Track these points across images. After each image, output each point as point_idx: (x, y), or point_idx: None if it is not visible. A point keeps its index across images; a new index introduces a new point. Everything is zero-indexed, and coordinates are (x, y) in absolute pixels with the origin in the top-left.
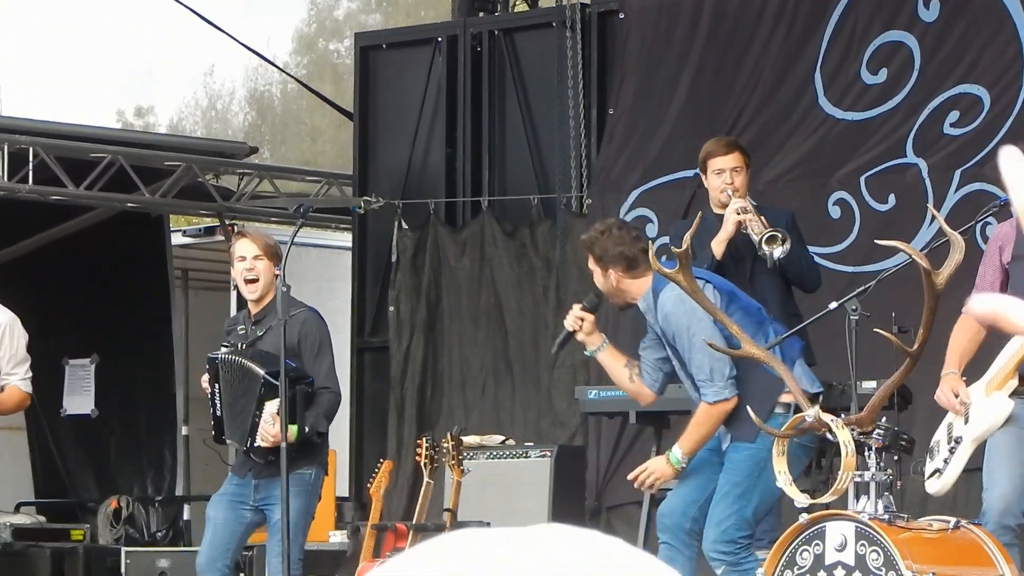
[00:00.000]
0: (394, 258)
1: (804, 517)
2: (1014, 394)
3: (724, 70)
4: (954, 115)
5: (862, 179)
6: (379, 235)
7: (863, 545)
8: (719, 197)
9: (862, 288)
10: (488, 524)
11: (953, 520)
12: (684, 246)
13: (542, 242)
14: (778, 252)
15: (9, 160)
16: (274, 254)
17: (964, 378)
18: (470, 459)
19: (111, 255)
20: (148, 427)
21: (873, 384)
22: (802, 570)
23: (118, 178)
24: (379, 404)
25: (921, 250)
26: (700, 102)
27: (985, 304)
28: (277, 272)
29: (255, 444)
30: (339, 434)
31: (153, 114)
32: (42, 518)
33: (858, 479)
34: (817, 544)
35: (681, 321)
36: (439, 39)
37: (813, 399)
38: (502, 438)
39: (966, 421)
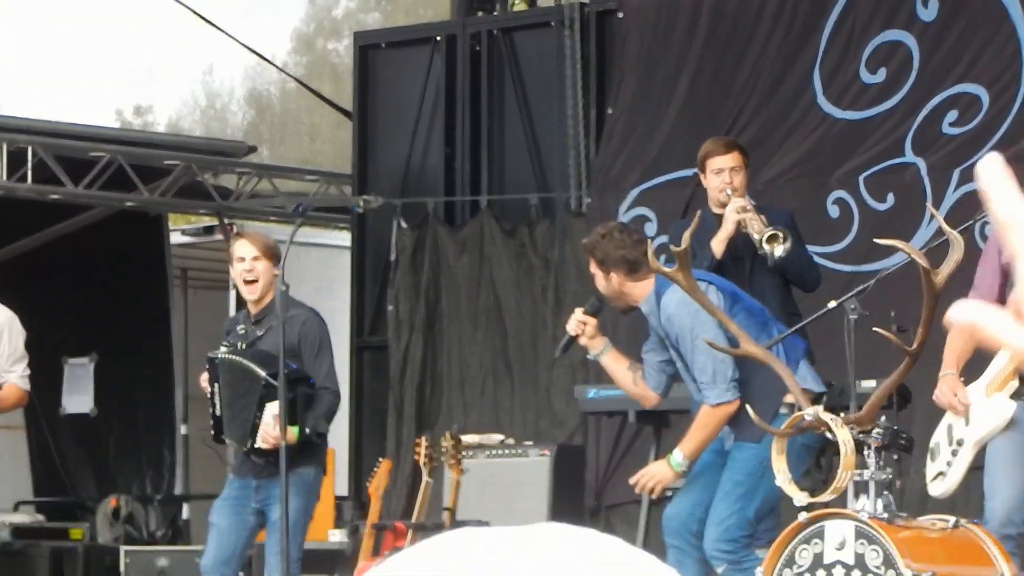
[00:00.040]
0: (393, 257)
1: (803, 516)
2: (1015, 395)
3: (723, 69)
4: (953, 114)
5: (861, 178)
6: (378, 234)
7: (862, 544)
8: (718, 197)
9: (861, 287)
10: (487, 523)
11: (952, 519)
12: (683, 245)
13: (541, 241)
14: (779, 251)
15: (8, 159)
16: (273, 254)
17: (962, 379)
18: (469, 458)
19: (110, 254)
20: (147, 426)
21: (872, 383)
22: (801, 569)
23: (117, 177)
24: (378, 403)
25: (920, 249)
26: (699, 101)
27: (963, 313)
28: (276, 272)
29: (256, 446)
30: (338, 433)
31: (152, 113)
32: (41, 517)
33: (857, 478)
34: (816, 543)
35: (684, 323)
36: (438, 38)
37: (818, 399)
38: (501, 437)
39: (967, 423)
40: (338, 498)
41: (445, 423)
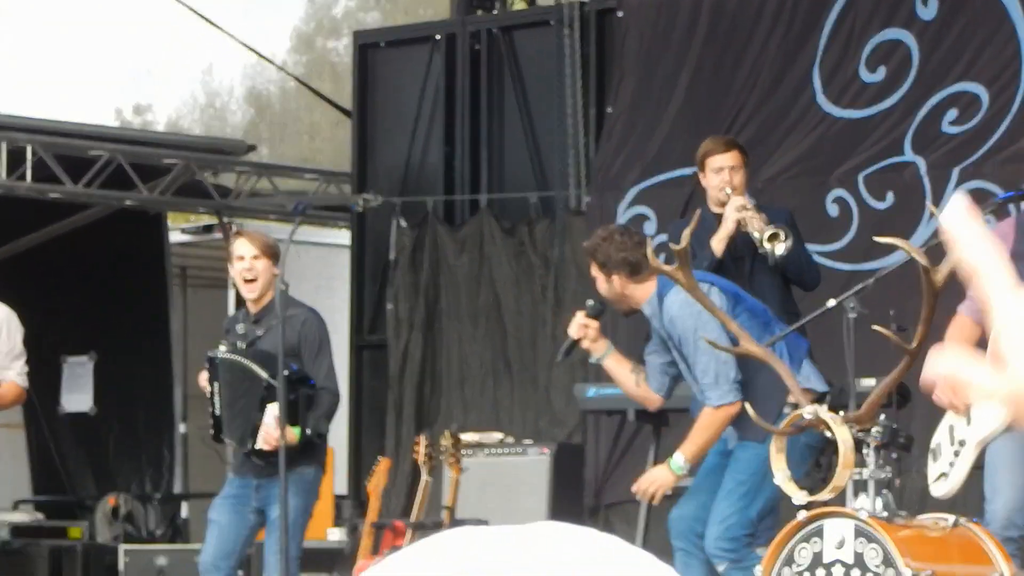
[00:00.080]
0: (392, 256)
1: (802, 515)
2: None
3: (722, 68)
4: (952, 113)
5: (860, 177)
6: (377, 233)
7: (862, 543)
8: (718, 195)
9: (861, 286)
10: (486, 522)
11: (952, 518)
12: (683, 243)
13: (540, 240)
14: (780, 250)
15: (7, 158)
16: (273, 253)
17: None
18: (468, 457)
19: (109, 253)
20: (146, 425)
21: (872, 382)
22: (800, 568)
23: (116, 176)
24: (377, 402)
25: (920, 248)
26: (699, 100)
27: (941, 367)
28: (276, 271)
29: (256, 447)
30: (337, 432)
31: (151, 112)
32: (40, 516)
33: (856, 477)
34: (815, 542)
35: (687, 324)
36: (437, 37)
37: (821, 398)
38: (500, 436)
39: (968, 423)
40: (337, 497)
41: (444, 422)
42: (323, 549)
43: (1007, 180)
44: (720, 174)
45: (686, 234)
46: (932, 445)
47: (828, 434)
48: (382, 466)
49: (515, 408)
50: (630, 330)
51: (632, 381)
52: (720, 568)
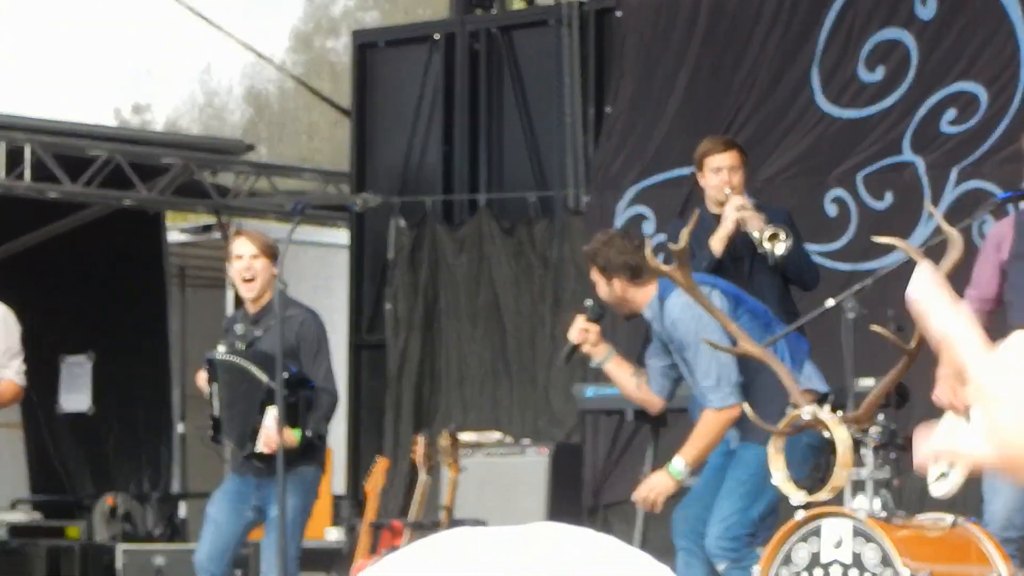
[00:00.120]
0: (391, 256)
1: (800, 514)
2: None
3: (722, 68)
4: (951, 113)
5: (859, 177)
6: (376, 233)
7: (860, 543)
8: (716, 195)
9: (859, 286)
10: (485, 522)
11: (951, 518)
12: (681, 243)
13: (539, 240)
14: (780, 250)
15: (6, 157)
16: (272, 253)
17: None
18: (467, 457)
19: (108, 252)
20: (145, 424)
21: (870, 382)
22: (798, 568)
23: (115, 175)
24: (376, 402)
25: (919, 247)
26: (697, 100)
27: (936, 447)
28: (275, 271)
29: (256, 450)
30: (335, 431)
31: (150, 112)
32: (38, 515)
33: (855, 477)
34: (813, 541)
35: (689, 327)
36: (436, 37)
37: (823, 399)
38: (499, 435)
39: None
40: (335, 496)
41: (443, 422)
42: (321, 549)
43: (1006, 180)
44: (719, 174)
45: (684, 234)
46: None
47: (826, 434)
48: (380, 466)
49: (514, 408)
50: (629, 331)
51: (633, 384)
52: (720, 567)
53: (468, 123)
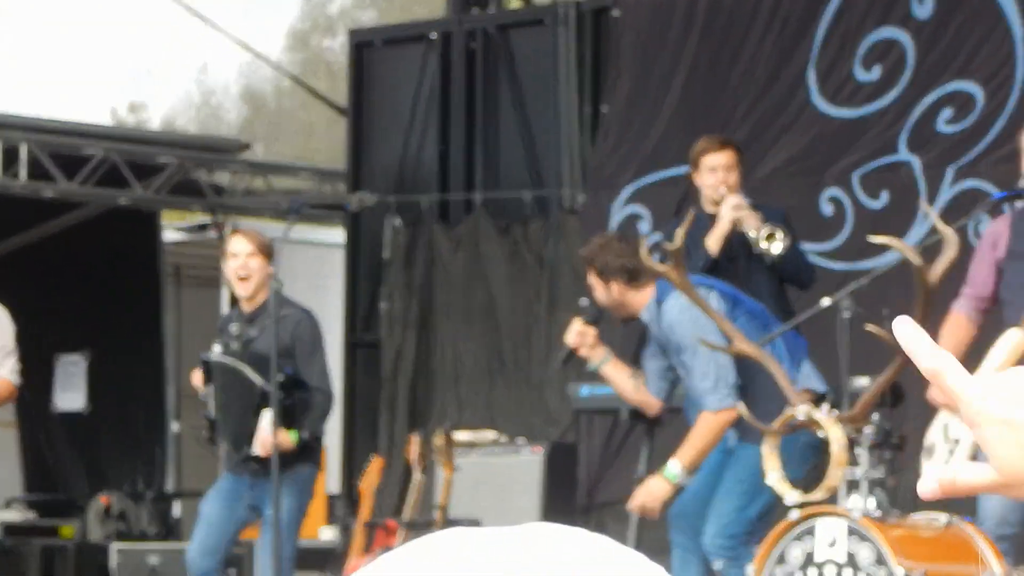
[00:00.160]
0: (387, 255)
1: (795, 514)
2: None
3: (718, 67)
4: (948, 112)
5: (855, 176)
6: (372, 232)
7: (854, 542)
8: (712, 195)
9: (855, 285)
10: (479, 521)
11: (945, 517)
12: (677, 242)
13: (535, 239)
14: (778, 249)
15: (2, 156)
16: (268, 252)
17: None
18: (461, 456)
19: (103, 251)
20: (139, 423)
21: (865, 381)
22: (792, 567)
23: (111, 174)
24: (371, 401)
25: (915, 247)
26: (694, 99)
27: (936, 482)
28: (270, 270)
29: (253, 453)
30: (330, 430)
31: (146, 110)
32: (32, 514)
33: (849, 476)
34: (808, 541)
35: (686, 329)
36: (433, 36)
37: (821, 399)
38: (494, 435)
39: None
40: (330, 496)
41: (438, 421)
42: (315, 548)
43: (1002, 179)
44: (715, 173)
45: (680, 233)
46: (926, 444)
47: (821, 434)
48: (375, 465)
49: (509, 407)
50: (623, 331)
51: (631, 386)
52: (717, 566)
53: (464, 122)
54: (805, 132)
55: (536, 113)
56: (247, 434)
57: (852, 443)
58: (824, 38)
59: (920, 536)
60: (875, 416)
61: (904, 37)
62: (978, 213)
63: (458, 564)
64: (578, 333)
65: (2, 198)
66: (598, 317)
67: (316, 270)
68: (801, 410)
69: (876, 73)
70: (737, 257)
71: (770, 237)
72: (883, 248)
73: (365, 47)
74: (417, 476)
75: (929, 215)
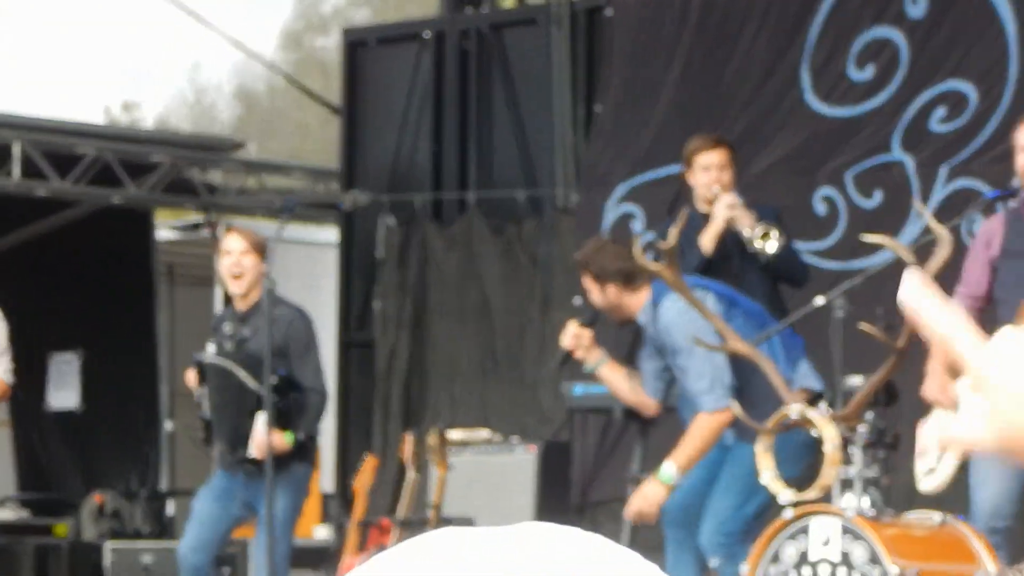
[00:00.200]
0: (380, 254)
1: (789, 513)
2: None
3: (712, 66)
4: (941, 111)
5: (848, 175)
6: (365, 231)
7: (848, 541)
8: (705, 194)
9: (848, 284)
10: (473, 520)
11: (939, 516)
12: (670, 241)
13: (529, 238)
14: (773, 248)
15: None
16: (262, 250)
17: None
18: (455, 455)
19: (96, 250)
20: (133, 422)
21: (859, 380)
22: (786, 566)
23: (104, 173)
24: (364, 400)
25: (908, 246)
26: (687, 98)
27: (937, 434)
28: (264, 269)
29: (249, 455)
30: (324, 429)
31: (140, 109)
32: (25, 513)
33: (843, 475)
34: (802, 540)
35: (682, 331)
36: (426, 35)
37: (818, 397)
38: (487, 433)
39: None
40: (324, 495)
41: (431, 420)
42: (309, 547)
43: (995, 178)
44: (708, 172)
45: (673, 232)
46: (920, 441)
47: (814, 432)
48: (368, 464)
49: (502, 406)
50: (618, 332)
51: (627, 388)
52: (713, 563)
53: (458, 121)
54: (798, 131)
55: (530, 112)
56: (242, 436)
57: (846, 442)
58: (818, 37)
59: (914, 535)
60: (869, 415)
61: (898, 36)
62: (971, 212)
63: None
64: (574, 336)
65: None
66: (594, 319)
67: (309, 269)
68: (794, 409)
69: (869, 72)
70: (731, 256)
71: (765, 236)
72: (876, 247)
73: (359, 46)
74: (411, 475)
75: (923, 214)
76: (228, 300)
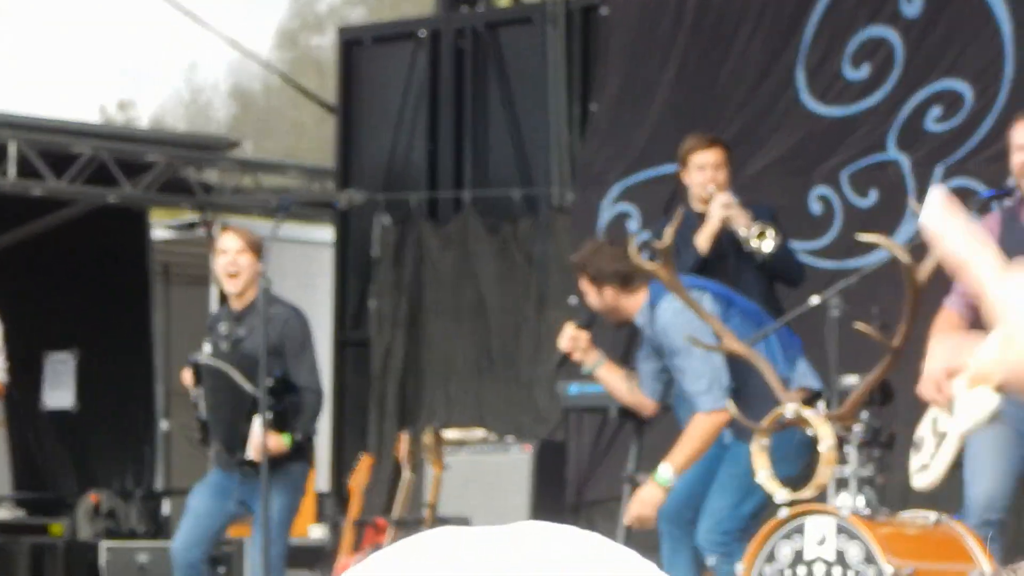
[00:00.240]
0: (376, 253)
1: (784, 512)
2: (999, 388)
3: (707, 65)
4: (936, 110)
5: (844, 174)
6: (361, 230)
7: (843, 540)
8: (700, 193)
9: (844, 283)
10: (468, 519)
11: (934, 515)
12: (666, 240)
13: (524, 237)
14: (769, 247)
15: None
16: (257, 249)
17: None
18: (451, 454)
19: (92, 249)
20: (128, 421)
21: (854, 379)
22: (782, 565)
23: (100, 172)
24: (360, 399)
25: (903, 245)
26: (683, 97)
27: (951, 363)
28: (260, 268)
29: (247, 457)
30: (319, 429)
31: (135, 108)
32: (21, 513)
33: (838, 474)
34: (797, 539)
35: (679, 332)
36: (422, 34)
37: (816, 397)
38: (483, 433)
39: (951, 415)
40: (319, 494)
41: (427, 419)
42: (305, 546)
43: (991, 178)
44: (703, 171)
45: (669, 231)
46: (915, 438)
47: (810, 432)
48: (364, 463)
49: (498, 405)
50: (614, 333)
51: (625, 388)
52: (710, 561)
53: (453, 120)
54: (794, 130)
55: (525, 111)
56: (239, 437)
57: (841, 441)
58: (813, 37)
59: (909, 534)
60: (864, 414)
61: (893, 35)
62: (967, 212)
63: (448, 563)
64: (571, 338)
65: None
66: (591, 321)
67: (305, 268)
68: (790, 408)
69: (865, 71)
70: (727, 255)
71: (761, 235)
72: (872, 246)
73: (354, 45)
74: (406, 474)
75: (918, 213)
76: (224, 299)
